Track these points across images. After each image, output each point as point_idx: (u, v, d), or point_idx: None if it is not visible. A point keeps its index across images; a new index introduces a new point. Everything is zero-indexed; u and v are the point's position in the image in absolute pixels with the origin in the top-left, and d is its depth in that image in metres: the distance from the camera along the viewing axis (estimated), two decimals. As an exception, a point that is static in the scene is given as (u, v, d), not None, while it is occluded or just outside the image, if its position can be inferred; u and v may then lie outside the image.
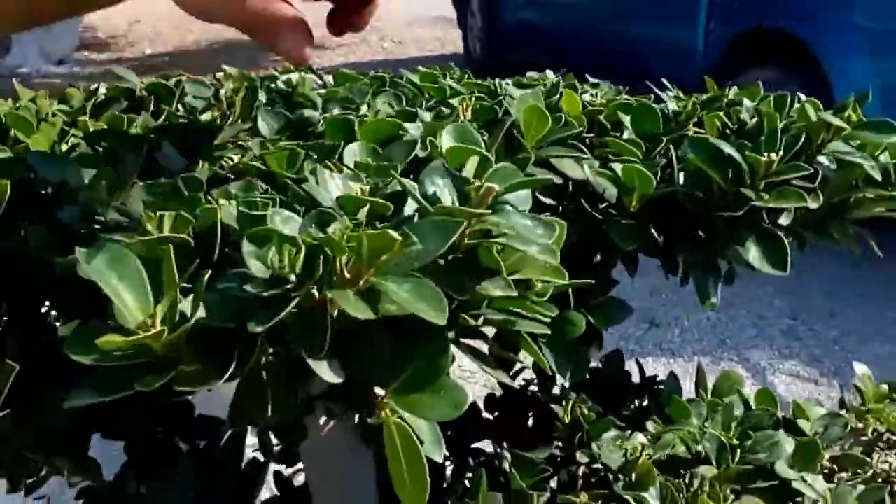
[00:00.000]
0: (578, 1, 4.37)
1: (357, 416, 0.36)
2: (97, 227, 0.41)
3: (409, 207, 0.38)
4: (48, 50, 5.72)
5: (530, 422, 0.73)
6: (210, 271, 0.30)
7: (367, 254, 0.29)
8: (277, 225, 0.32)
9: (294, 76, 0.73)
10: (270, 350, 0.33)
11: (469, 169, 0.40)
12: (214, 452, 0.42)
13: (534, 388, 0.79)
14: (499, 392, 0.79)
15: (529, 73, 0.80)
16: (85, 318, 0.37)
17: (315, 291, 0.30)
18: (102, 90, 0.70)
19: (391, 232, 0.29)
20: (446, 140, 0.42)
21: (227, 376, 0.28)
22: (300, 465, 0.84)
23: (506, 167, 0.40)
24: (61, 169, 0.47)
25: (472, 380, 1.99)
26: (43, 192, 0.49)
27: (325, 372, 0.32)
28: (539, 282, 0.39)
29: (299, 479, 0.84)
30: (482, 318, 0.38)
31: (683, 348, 2.51)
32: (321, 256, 0.30)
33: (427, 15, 7.58)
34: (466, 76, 0.76)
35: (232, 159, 0.44)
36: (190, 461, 0.42)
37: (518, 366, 0.80)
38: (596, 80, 0.75)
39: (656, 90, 0.70)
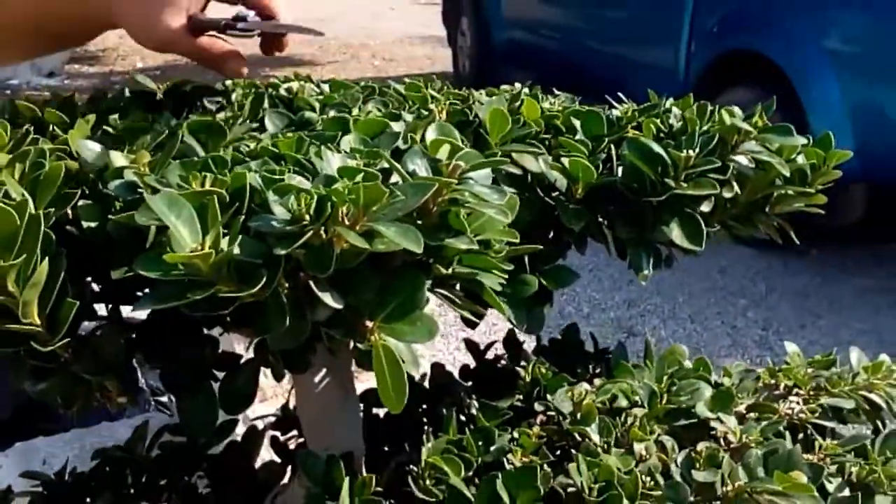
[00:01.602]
0: (566, 22, 4.51)
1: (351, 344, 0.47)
2: (138, 196, 0.51)
3: (393, 180, 0.48)
4: (39, 62, 5.77)
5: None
6: (242, 217, 0.40)
7: (362, 202, 0.40)
8: (294, 183, 0.42)
9: (294, 84, 0.84)
10: (287, 285, 0.43)
11: (442, 153, 0.51)
12: (235, 381, 0.52)
13: (504, 362, 0.89)
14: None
15: (503, 87, 0.91)
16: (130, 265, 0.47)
17: (323, 231, 0.40)
18: (126, 93, 0.80)
19: (381, 185, 0.40)
20: (430, 134, 0.53)
21: (257, 289, 0.38)
22: (294, 432, 0.94)
23: (471, 152, 0.51)
24: (104, 153, 0.57)
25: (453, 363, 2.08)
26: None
27: (328, 299, 0.42)
28: (497, 242, 0.50)
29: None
30: (452, 269, 0.49)
31: (624, 344, 2.63)
32: (328, 203, 0.40)
33: (418, 33, 7.74)
34: (446, 87, 0.87)
35: (248, 146, 0.54)
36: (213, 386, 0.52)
37: (488, 340, 0.90)
38: (558, 92, 0.86)
39: (612, 101, 0.81)
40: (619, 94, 0.84)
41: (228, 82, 0.84)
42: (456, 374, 0.86)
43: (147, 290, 0.51)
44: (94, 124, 0.67)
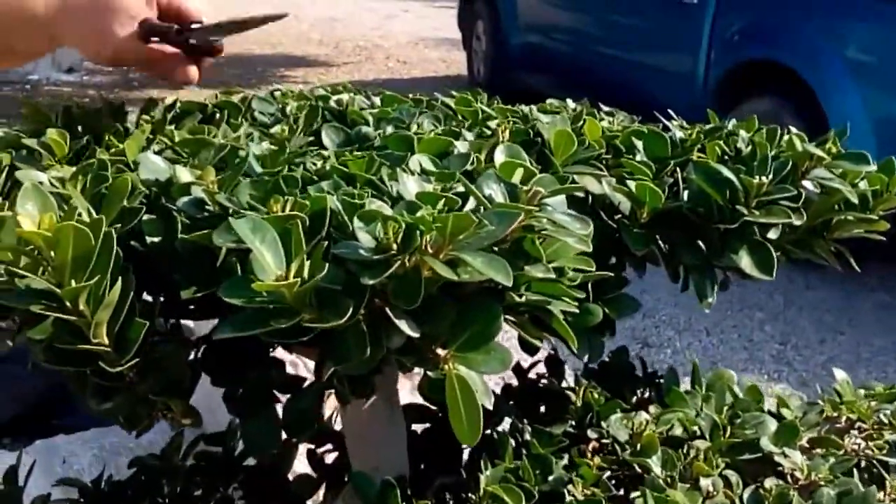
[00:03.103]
0: (583, 27, 4.49)
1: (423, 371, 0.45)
2: (207, 214, 0.50)
3: (469, 205, 0.47)
4: (58, 58, 5.79)
5: (542, 409, 0.82)
6: (325, 242, 0.39)
7: (449, 231, 0.38)
8: (376, 209, 0.41)
9: (344, 96, 0.82)
10: (362, 311, 0.42)
11: (516, 177, 0.49)
12: (299, 404, 0.51)
13: (545, 381, 0.88)
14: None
15: (550, 100, 0.90)
16: (199, 285, 0.46)
17: (408, 259, 0.39)
18: (178, 104, 0.79)
19: (471, 214, 0.38)
20: (499, 156, 0.52)
21: (343, 320, 0.37)
22: (329, 446, 0.93)
23: (545, 177, 0.50)
24: (168, 167, 0.56)
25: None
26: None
27: (405, 327, 0.41)
28: (571, 269, 0.48)
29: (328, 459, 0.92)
30: (524, 297, 0.48)
31: (675, 369, 2.59)
32: (416, 232, 0.39)
33: (433, 36, 7.72)
34: (496, 102, 0.86)
35: (315, 163, 0.53)
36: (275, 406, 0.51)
37: (531, 361, 0.89)
38: (610, 109, 0.85)
39: (664, 120, 0.80)
40: (670, 112, 0.83)
41: (277, 94, 0.83)
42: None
43: (201, 303, 0.50)
44: (149, 135, 0.66)
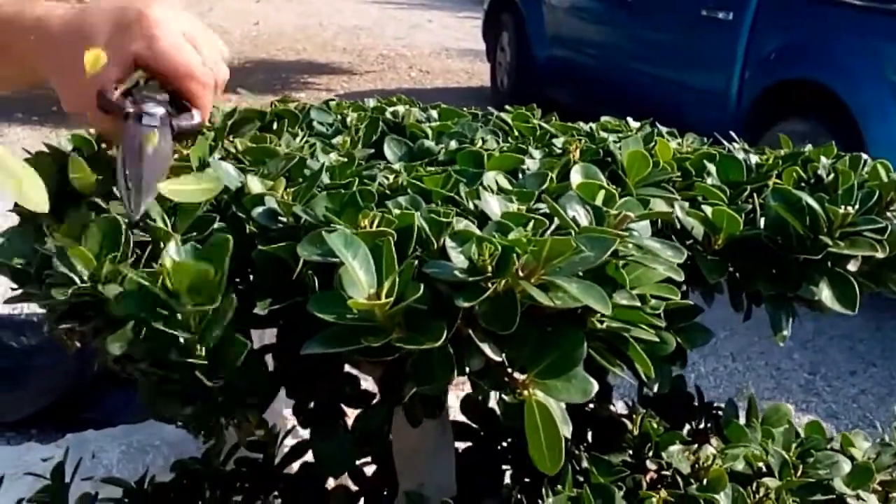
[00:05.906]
0: (612, 41, 4.44)
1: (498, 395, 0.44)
2: (282, 225, 0.49)
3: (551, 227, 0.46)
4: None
5: (589, 433, 0.80)
6: (416, 261, 0.38)
7: (545, 255, 0.37)
8: (465, 228, 0.40)
9: (400, 108, 0.81)
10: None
11: (599, 200, 0.48)
12: (369, 420, 0.49)
13: (592, 405, 0.86)
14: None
15: (605, 118, 0.88)
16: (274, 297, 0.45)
17: (501, 283, 0.37)
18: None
19: (571, 239, 0.37)
20: (576, 176, 0.50)
21: (439, 343, 0.36)
22: (367, 458, 0.91)
23: (630, 200, 0.48)
24: (238, 176, 0.55)
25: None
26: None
27: (488, 350, 0.40)
28: (653, 297, 0.47)
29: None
30: (605, 323, 0.46)
31: (734, 401, 2.52)
32: (513, 255, 0.37)
33: (456, 47, 7.72)
34: (553, 118, 0.85)
35: (388, 178, 0.52)
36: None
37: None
38: (671, 129, 0.83)
39: (725, 142, 0.78)
40: (731, 133, 0.81)
41: (332, 104, 0.82)
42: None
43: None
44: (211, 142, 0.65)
